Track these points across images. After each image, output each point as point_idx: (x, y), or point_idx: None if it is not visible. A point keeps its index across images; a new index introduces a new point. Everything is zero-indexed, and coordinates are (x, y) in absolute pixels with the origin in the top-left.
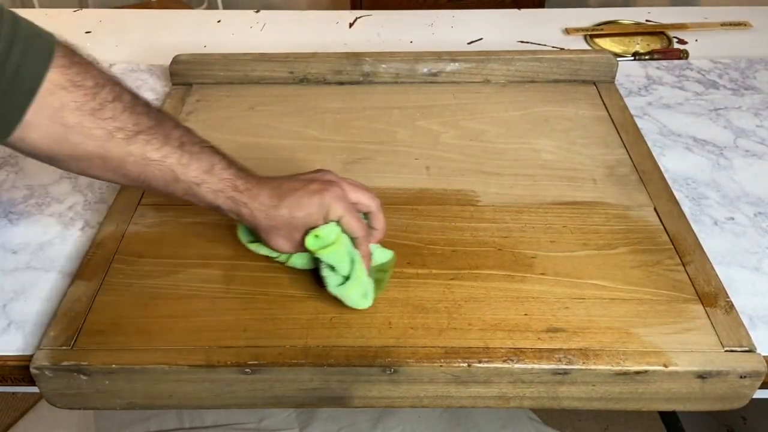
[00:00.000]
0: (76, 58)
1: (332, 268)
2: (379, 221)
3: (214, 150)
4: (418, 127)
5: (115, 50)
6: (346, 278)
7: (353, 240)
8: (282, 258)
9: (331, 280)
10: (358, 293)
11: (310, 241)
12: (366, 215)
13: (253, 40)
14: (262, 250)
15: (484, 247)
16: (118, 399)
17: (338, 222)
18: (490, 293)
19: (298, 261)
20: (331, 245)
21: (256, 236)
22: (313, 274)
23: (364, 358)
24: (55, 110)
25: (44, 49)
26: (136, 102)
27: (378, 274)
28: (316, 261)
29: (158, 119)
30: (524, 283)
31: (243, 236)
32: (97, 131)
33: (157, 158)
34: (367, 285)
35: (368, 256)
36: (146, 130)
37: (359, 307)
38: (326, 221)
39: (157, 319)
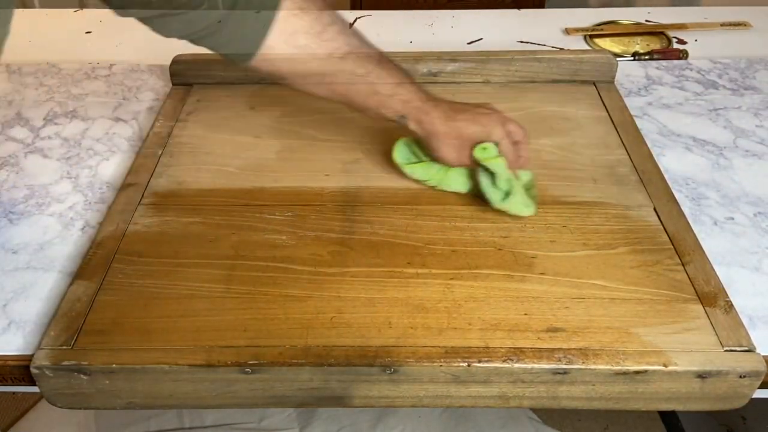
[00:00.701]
0: None
1: (493, 183)
2: (525, 149)
3: (401, 67)
4: None
5: (116, 50)
6: (507, 193)
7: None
8: (433, 181)
9: (495, 196)
10: (521, 203)
11: (478, 152)
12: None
13: None
14: (417, 173)
15: (484, 247)
16: (118, 399)
17: (496, 144)
18: (490, 293)
19: (454, 182)
20: (496, 157)
21: (419, 155)
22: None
23: (364, 358)
24: (289, 34)
25: None
26: (344, 24)
27: (528, 192)
28: (472, 181)
29: (360, 39)
30: (524, 283)
31: (399, 157)
32: (320, 51)
33: (362, 74)
34: (525, 197)
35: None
36: (354, 49)
37: (525, 215)
38: (487, 137)
39: (157, 319)
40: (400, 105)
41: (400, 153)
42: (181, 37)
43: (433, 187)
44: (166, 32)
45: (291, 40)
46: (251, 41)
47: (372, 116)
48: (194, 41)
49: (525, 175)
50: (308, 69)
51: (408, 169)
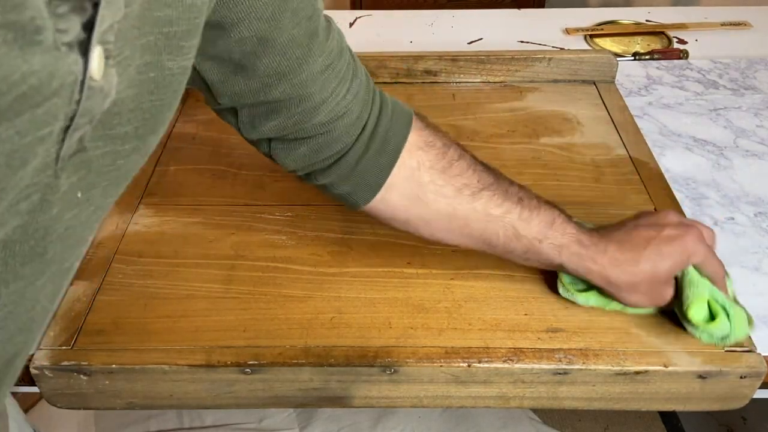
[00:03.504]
0: (427, 122)
1: (710, 320)
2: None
3: (553, 205)
4: None
5: None
6: (728, 334)
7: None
8: (618, 306)
9: (713, 340)
10: (744, 324)
11: (696, 316)
12: None
13: None
14: (592, 301)
15: None
16: (118, 399)
17: (695, 265)
18: (490, 293)
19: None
20: (716, 318)
21: (597, 289)
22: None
23: (364, 358)
24: (412, 170)
25: (405, 114)
26: (476, 160)
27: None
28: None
29: (496, 176)
30: (524, 283)
31: (567, 281)
32: (447, 188)
33: (499, 214)
34: (742, 311)
35: (726, 292)
36: (488, 186)
37: (749, 332)
38: (686, 266)
39: (157, 319)
40: (554, 252)
41: (571, 281)
42: (300, 168)
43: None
44: (289, 160)
45: (414, 176)
46: (372, 180)
47: (522, 264)
48: (312, 174)
49: (729, 284)
50: (433, 211)
51: (581, 298)
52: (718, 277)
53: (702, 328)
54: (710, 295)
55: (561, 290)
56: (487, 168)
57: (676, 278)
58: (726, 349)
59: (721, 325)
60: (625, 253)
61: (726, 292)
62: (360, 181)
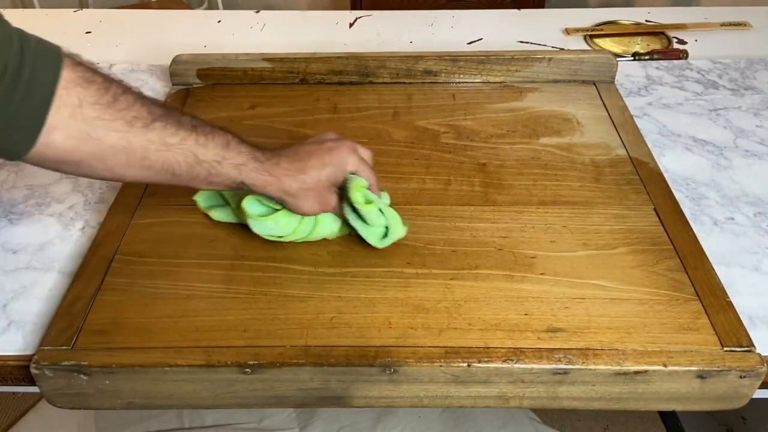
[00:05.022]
0: (80, 60)
1: (368, 223)
2: (373, 171)
3: (225, 129)
4: (418, 127)
5: (115, 50)
6: (386, 227)
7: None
8: (299, 233)
9: (374, 237)
10: (401, 229)
11: (357, 197)
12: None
13: (253, 41)
14: (279, 226)
15: (484, 247)
16: (118, 399)
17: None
18: (490, 293)
19: (326, 226)
20: (373, 203)
21: (272, 204)
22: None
23: (364, 358)
24: (74, 107)
25: (53, 53)
26: (142, 94)
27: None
28: (344, 222)
29: (167, 108)
30: (524, 283)
31: (250, 208)
32: (118, 123)
33: (176, 142)
34: (399, 219)
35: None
36: (160, 117)
37: (402, 237)
38: (344, 174)
39: (157, 319)
40: (234, 171)
41: (251, 205)
42: None
43: (295, 241)
44: None
45: (77, 114)
46: (28, 124)
47: (207, 188)
48: None
49: (384, 195)
50: (107, 147)
51: (267, 223)
52: (370, 183)
53: (363, 210)
54: (364, 193)
55: (250, 222)
56: (155, 101)
57: (341, 189)
58: (725, 349)
59: (377, 212)
60: (294, 163)
61: (379, 196)
62: (13, 127)
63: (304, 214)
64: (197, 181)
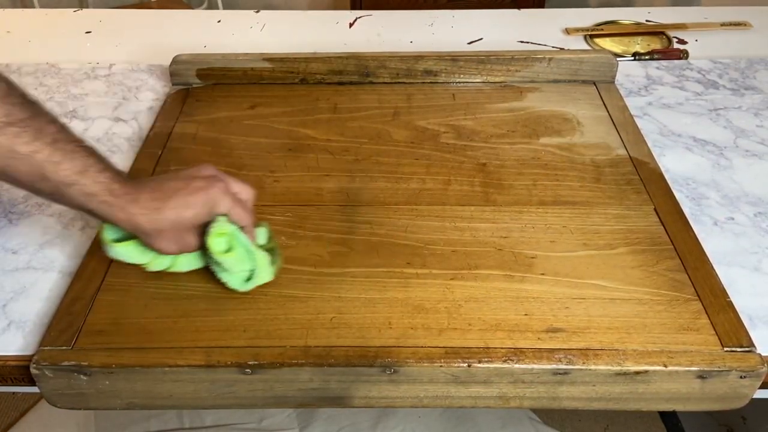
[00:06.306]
0: None
1: (230, 271)
2: (251, 205)
3: (90, 151)
4: (418, 127)
5: (115, 50)
6: (251, 271)
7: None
8: (159, 264)
9: (236, 282)
10: (267, 273)
11: (214, 246)
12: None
13: (253, 40)
14: (134, 255)
15: (484, 247)
16: (118, 399)
17: (225, 214)
18: (490, 293)
19: (185, 263)
20: (232, 250)
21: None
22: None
23: (364, 358)
24: None
25: None
26: (11, 92)
27: (270, 245)
28: (207, 259)
29: (33, 112)
30: (524, 283)
31: (108, 233)
32: None
33: (26, 152)
34: (268, 263)
35: (254, 239)
36: (17, 123)
37: (266, 281)
38: (212, 216)
39: (156, 319)
40: (82, 198)
41: (107, 228)
42: None
43: (166, 269)
44: None
45: None
46: None
47: (58, 204)
48: None
49: (262, 234)
50: None
51: (119, 249)
52: (244, 225)
53: (220, 259)
54: (232, 236)
55: (104, 247)
56: (26, 102)
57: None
58: (726, 349)
59: (237, 260)
60: (154, 201)
61: (252, 239)
62: None
63: (160, 253)
64: (42, 194)
